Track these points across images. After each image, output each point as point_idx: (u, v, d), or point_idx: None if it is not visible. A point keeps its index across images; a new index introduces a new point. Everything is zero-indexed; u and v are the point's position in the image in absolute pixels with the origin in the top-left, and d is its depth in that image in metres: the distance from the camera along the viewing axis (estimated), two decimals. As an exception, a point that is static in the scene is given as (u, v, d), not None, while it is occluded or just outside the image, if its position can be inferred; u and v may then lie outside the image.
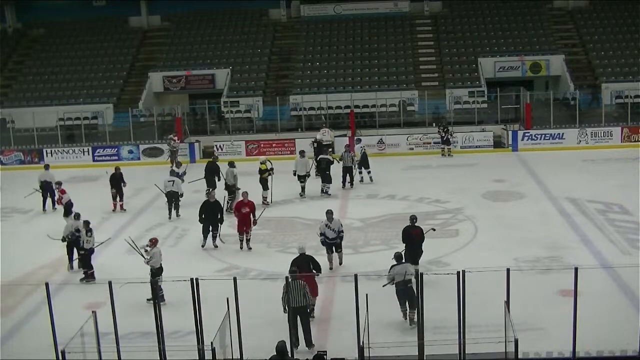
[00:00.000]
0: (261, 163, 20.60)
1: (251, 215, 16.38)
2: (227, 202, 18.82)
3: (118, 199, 20.44)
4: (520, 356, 8.99)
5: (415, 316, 11.54)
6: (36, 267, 15.60)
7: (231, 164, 19.99)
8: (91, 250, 15.05)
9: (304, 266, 12.17)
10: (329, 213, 14.73)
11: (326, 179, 21.28)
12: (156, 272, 13.14)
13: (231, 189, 19.42)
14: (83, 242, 14.96)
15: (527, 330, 10.46)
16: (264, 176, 20.34)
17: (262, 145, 27.91)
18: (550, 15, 34.55)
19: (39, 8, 36.14)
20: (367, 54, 32.99)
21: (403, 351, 9.65)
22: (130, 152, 28.36)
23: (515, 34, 33.39)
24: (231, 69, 32.32)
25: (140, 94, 31.86)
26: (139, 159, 28.18)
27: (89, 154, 28.42)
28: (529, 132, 27.53)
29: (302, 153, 21.99)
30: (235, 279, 9.78)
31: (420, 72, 32.28)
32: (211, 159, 21.70)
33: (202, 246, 16.58)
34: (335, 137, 27.31)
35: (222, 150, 27.97)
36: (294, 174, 21.20)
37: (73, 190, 23.49)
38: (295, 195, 21.16)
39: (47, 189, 20.74)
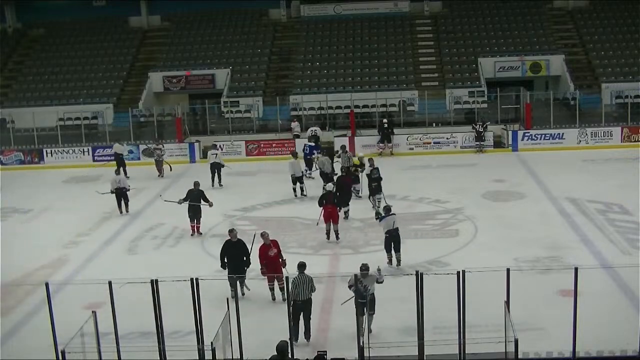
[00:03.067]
0: (356, 158, 21.24)
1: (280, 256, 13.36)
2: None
3: (195, 221, 17.55)
4: (520, 356, 8.98)
5: (400, 256, 14.45)
6: (36, 267, 15.58)
7: (329, 154, 21.57)
8: None
9: (330, 198, 16.63)
10: (364, 269, 11.46)
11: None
12: None
13: (328, 176, 20.51)
14: None
15: (527, 330, 10.45)
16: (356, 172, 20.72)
17: (262, 145, 27.90)
18: (550, 15, 34.53)
19: (39, 8, 36.13)
20: (367, 54, 32.97)
21: (403, 351, 9.65)
22: (130, 152, 28.31)
23: (515, 34, 33.37)
24: (231, 69, 32.30)
25: (140, 94, 31.85)
26: (138, 159, 28.12)
27: (89, 154, 28.39)
28: (529, 132, 27.50)
29: (294, 154, 22.08)
30: (235, 279, 9.78)
31: (420, 72, 32.26)
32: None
33: (232, 297, 11.58)
34: (335, 137, 27.37)
35: (222, 150, 27.96)
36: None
37: (73, 190, 23.74)
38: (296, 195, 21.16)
39: (118, 159, 25.05)
